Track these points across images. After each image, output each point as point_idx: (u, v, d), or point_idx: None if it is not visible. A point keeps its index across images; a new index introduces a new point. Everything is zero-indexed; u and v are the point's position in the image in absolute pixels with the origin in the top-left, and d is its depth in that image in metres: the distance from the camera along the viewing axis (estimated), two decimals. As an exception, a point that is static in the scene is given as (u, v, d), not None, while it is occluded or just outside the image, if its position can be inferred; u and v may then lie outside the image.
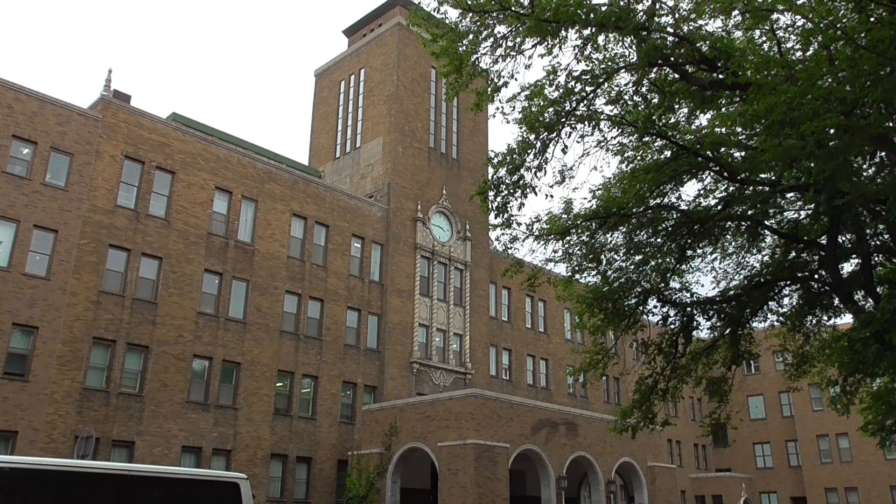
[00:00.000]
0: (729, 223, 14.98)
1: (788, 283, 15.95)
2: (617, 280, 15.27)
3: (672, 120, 13.89)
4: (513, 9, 11.97)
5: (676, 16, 12.53)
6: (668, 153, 13.96)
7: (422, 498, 32.90)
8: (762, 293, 15.58)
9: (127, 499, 10.15)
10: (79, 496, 9.78)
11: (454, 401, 29.21)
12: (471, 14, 12.23)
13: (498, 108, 13.28)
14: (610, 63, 12.76)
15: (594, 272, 15.46)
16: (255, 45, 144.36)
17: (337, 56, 45.60)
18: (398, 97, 40.03)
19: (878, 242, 14.59)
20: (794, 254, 15.72)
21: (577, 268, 15.36)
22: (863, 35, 9.09)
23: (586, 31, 12.14)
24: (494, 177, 13.23)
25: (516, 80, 12.69)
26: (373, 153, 40.28)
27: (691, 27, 12.66)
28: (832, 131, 9.58)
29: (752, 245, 16.12)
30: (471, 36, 12.48)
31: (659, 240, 15.10)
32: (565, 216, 14.56)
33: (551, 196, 14.62)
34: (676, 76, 12.93)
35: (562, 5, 11.25)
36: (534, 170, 12.99)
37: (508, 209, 13.31)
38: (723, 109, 13.31)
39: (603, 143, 13.92)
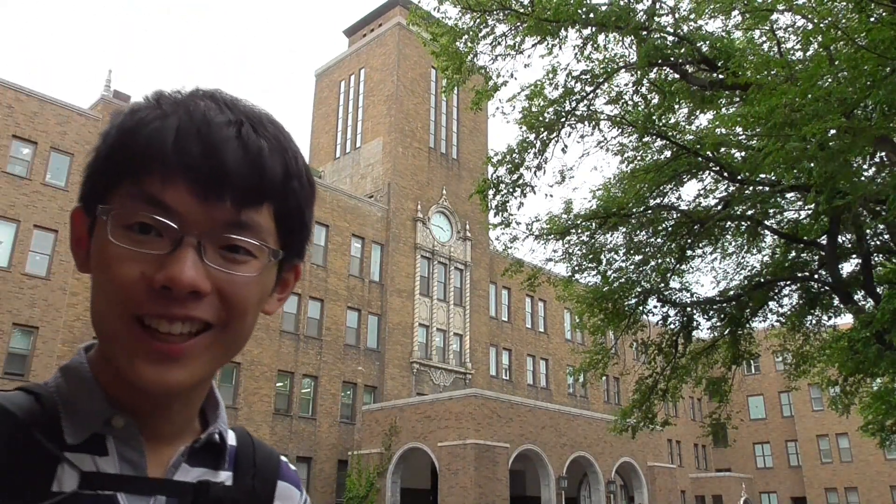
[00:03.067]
0: (729, 223, 14.97)
1: (788, 283, 15.94)
2: (617, 280, 15.26)
3: (672, 120, 13.90)
4: (513, 8, 11.98)
5: (676, 16, 12.54)
6: (668, 153, 13.97)
7: (422, 498, 32.89)
8: (762, 293, 15.57)
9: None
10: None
11: (454, 401, 29.21)
12: (471, 13, 12.24)
13: (498, 108, 13.34)
14: (610, 63, 12.77)
15: (594, 272, 15.46)
16: (256, 45, 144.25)
17: (337, 56, 45.59)
18: (398, 97, 40.03)
19: (878, 242, 14.58)
20: (794, 254, 15.71)
21: (577, 268, 15.36)
22: (863, 35, 9.09)
23: (586, 31, 12.16)
24: (494, 176, 13.24)
25: (516, 79, 12.76)
26: (373, 153, 40.28)
27: (691, 27, 12.67)
28: (833, 132, 9.58)
29: (752, 245, 16.11)
30: (470, 33, 12.49)
31: (659, 240, 15.10)
32: (565, 216, 14.57)
33: (551, 196, 14.69)
34: (676, 76, 12.95)
35: (562, 5, 11.26)
36: (533, 169, 13.00)
37: (508, 208, 13.32)
38: (723, 109, 13.31)
39: (603, 143, 13.94)
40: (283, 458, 0.95)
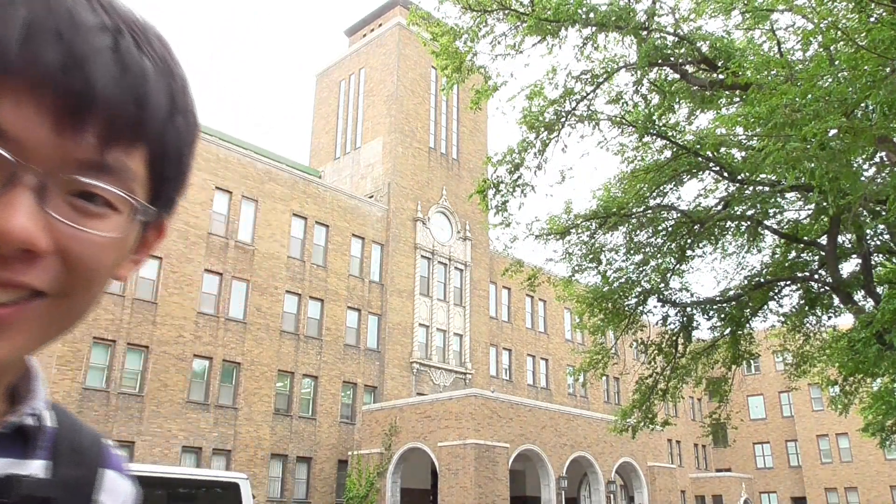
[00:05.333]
0: (729, 223, 14.98)
1: (788, 283, 15.94)
2: (617, 280, 15.27)
3: (672, 120, 13.90)
4: (513, 8, 11.98)
5: (676, 16, 12.55)
6: (668, 153, 13.98)
7: (422, 498, 32.89)
8: (762, 293, 15.57)
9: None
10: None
11: (454, 401, 29.21)
12: (471, 12, 12.24)
13: (498, 108, 13.46)
14: (610, 63, 12.78)
15: (594, 272, 15.47)
16: (257, 46, 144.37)
17: (337, 56, 45.59)
18: (398, 97, 40.03)
19: (878, 242, 14.59)
20: (794, 254, 15.71)
21: (577, 268, 15.37)
22: (863, 35, 9.09)
23: (586, 31, 12.16)
24: (494, 176, 13.25)
25: (515, 79, 12.79)
26: (373, 153, 40.28)
27: (691, 27, 12.68)
28: (834, 132, 9.58)
29: (752, 245, 16.11)
30: (470, 33, 12.49)
31: (659, 240, 15.10)
32: (565, 216, 14.58)
33: (552, 196, 14.69)
34: (676, 76, 12.95)
35: (562, 4, 11.26)
36: (533, 169, 13.00)
37: (508, 208, 13.33)
38: (723, 110, 13.31)
39: (603, 143, 13.94)
40: (108, 443, 0.77)
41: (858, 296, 14.49)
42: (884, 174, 12.70)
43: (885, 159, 12.51)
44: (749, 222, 14.59)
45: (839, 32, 9.52)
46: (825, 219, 13.24)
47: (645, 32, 11.84)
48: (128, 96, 0.57)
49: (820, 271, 15.33)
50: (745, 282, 15.99)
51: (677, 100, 13.11)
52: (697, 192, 15.02)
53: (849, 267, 15.55)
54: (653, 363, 16.48)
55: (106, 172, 0.58)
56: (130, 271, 0.67)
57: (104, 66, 0.56)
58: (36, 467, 0.66)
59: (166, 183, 0.65)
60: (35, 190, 0.55)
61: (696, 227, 14.22)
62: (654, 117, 13.05)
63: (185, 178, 0.67)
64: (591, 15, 11.57)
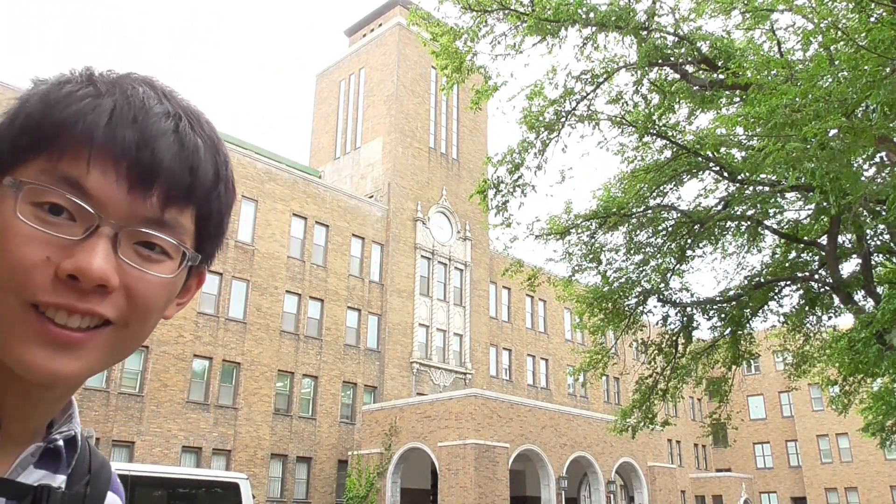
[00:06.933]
0: (729, 223, 14.97)
1: (789, 283, 15.93)
2: (617, 280, 15.26)
3: (672, 120, 13.90)
4: (513, 8, 11.98)
5: (676, 16, 12.55)
6: (668, 153, 13.98)
7: (422, 498, 32.89)
8: (762, 293, 15.56)
9: (127, 499, 10.18)
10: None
11: (454, 401, 29.21)
12: (471, 12, 12.24)
13: (498, 108, 13.47)
14: (610, 63, 12.78)
15: (594, 272, 15.46)
16: (257, 46, 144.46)
17: (337, 56, 45.59)
18: (398, 97, 40.02)
19: (878, 242, 14.58)
20: (794, 254, 15.71)
21: (577, 268, 15.36)
22: (863, 35, 9.09)
23: (586, 31, 12.17)
24: (494, 176, 13.25)
25: (515, 79, 12.80)
26: (373, 153, 40.28)
27: (691, 27, 12.68)
28: (834, 132, 9.58)
29: (753, 245, 16.10)
30: (470, 33, 12.49)
31: (659, 240, 15.10)
32: (565, 216, 14.58)
33: (552, 196, 14.70)
34: (676, 76, 12.95)
35: (562, 4, 11.27)
36: (534, 169, 13.00)
37: (508, 208, 13.32)
38: (723, 110, 13.32)
39: (603, 143, 13.94)
40: (113, 469, 0.90)
41: (858, 296, 14.48)
42: (884, 174, 12.70)
43: (885, 159, 12.51)
44: (749, 222, 14.58)
45: (839, 32, 9.52)
46: (825, 219, 13.24)
47: (645, 32, 11.84)
48: (185, 167, 0.73)
49: (820, 271, 15.33)
50: (745, 282, 15.97)
51: (677, 100, 13.11)
52: (697, 192, 15.04)
53: (849, 267, 15.56)
54: (653, 363, 16.47)
55: (165, 226, 0.73)
56: (175, 312, 0.82)
57: (168, 144, 0.72)
58: (60, 481, 0.79)
59: (209, 239, 0.80)
60: (110, 238, 0.70)
61: (696, 227, 14.22)
62: (654, 117, 13.05)
63: (223, 236, 0.82)
64: (591, 15, 11.58)
